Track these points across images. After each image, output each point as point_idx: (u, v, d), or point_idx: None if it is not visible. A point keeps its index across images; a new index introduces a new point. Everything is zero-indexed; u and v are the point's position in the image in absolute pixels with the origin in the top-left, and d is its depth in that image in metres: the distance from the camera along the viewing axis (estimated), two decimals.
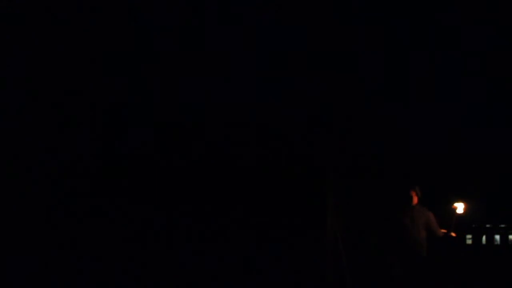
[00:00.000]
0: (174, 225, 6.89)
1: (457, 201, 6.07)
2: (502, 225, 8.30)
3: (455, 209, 6.04)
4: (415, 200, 5.97)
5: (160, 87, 7.12)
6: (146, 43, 7.18)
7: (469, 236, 8.24)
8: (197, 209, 6.93)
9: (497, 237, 8.28)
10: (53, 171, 6.81)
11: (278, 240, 6.59)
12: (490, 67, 7.84)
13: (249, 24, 7.51)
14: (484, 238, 8.27)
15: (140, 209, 6.85)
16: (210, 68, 7.22)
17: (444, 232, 5.98)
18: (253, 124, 7.11)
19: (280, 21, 7.50)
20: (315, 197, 6.87)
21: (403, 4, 7.69)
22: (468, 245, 8.26)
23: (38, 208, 6.62)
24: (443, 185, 8.18)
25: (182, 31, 7.39)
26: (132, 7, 7.17)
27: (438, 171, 8.47)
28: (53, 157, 6.78)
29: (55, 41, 6.84)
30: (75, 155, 6.85)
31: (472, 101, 7.94)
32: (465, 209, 5.98)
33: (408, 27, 7.77)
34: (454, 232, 6.03)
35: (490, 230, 8.29)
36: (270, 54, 7.37)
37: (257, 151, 7.03)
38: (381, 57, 7.71)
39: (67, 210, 6.76)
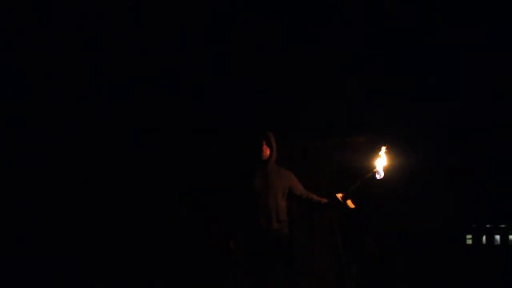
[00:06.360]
0: None
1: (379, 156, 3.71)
2: (502, 225, 8.30)
3: (374, 171, 3.77)
4: (266, 154, 4.13)
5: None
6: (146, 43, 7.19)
7: (469, 236, 8.23)
8: None
9: (497, 237, 8.27)
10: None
11: None
12: (490, 67, 7.84)
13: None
14: (484, 238, 8.26)
15: None
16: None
17: (336, 199, 3.78)
18: None
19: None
20: None
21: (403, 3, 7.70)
22: (468, 245, 8.25)
23: None
24: None
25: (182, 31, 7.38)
26: (132, 7, 7.16)
27: None
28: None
29: (53, 40, 6.84)
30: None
31: (472, 101, 7.94)
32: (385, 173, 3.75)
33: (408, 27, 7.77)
34: (351, 199, 3.80)
35: (490, 230, 8.29)
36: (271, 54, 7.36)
37: None
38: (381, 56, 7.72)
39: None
